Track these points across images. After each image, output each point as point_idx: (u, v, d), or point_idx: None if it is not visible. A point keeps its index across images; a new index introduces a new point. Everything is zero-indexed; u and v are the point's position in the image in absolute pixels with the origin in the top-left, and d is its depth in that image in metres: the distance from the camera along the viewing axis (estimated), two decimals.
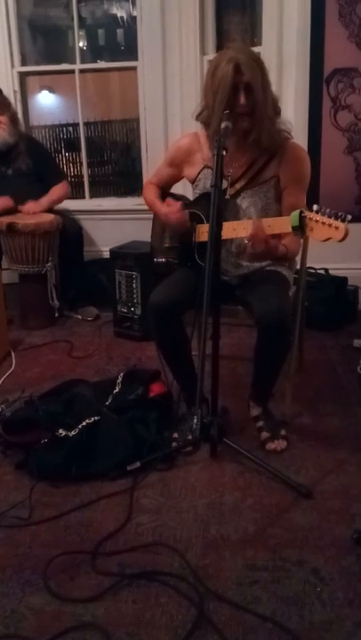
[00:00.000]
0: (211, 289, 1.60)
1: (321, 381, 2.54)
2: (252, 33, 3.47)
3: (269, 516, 1.69)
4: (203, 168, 2.06)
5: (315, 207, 1.63)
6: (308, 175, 2.02)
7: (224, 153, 1.68)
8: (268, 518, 1.68)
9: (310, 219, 1.64)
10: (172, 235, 2.16)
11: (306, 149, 2.19)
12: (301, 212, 1.66)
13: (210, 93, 1.88)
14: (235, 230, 1.87)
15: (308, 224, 1.65)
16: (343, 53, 3.09)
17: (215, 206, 1.63)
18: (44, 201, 3.30)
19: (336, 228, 1.58)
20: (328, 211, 1.61)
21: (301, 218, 1.66)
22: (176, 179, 2.22)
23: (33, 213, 3.22)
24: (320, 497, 1.76)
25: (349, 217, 1.58)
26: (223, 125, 1.74)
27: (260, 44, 3.23)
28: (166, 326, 1.95)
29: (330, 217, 1.60)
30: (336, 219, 1.59)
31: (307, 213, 1.65)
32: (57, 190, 3.38)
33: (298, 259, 2.16)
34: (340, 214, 1.59)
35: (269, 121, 1.90)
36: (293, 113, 3.07)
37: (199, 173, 2.07)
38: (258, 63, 1.84)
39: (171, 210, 2.06)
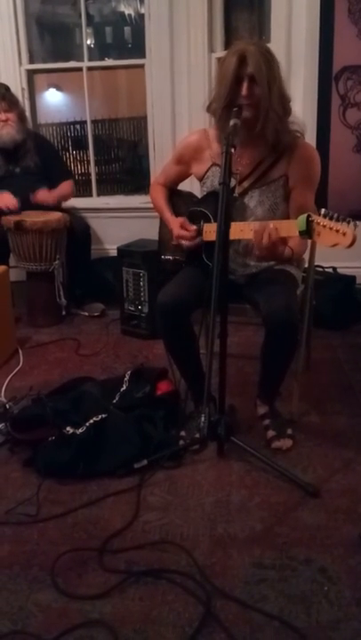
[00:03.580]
0: (219, 287, 1.59)
1: (328, 380, 2.53)
2: (261, 30, 3.46)
3: (276, 514, 1.69)
4: (211, 166, 2.04)
5: (323, 211, 1.58)
6: (317, 175, 1.98)
7: (232, 150, 1.67)
8: (275, 517, 1.67)
9: (318, 223, 1.58)
10: None
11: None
12: (309, 217, 1.60)
13: (217, 84, 1.89)
14: (242, 231, 1.83)
15: (315, 229, 1.59)
16: (352, 51, 3.08)
17: (223, 204, 1.61)
18: (56, 193, 3.30)
19: (344, 234, 1.52)
20: (336, 215, 1.55)
21: (309, 222, 1.60)
22: (184, 176, 2.20)
23: (45, 202, 3.21)
24: (327, 496, 1.75)
25: (357, 223, 1.52)
26: (232, 123, 1.73)
27: (268, 41, 3.21)
28: (174, 326, 1.95)
29: (338, 221, 1.54)
30: (344, 222, 1.53)
31: (314, 217, 1.59)
32: (64, 186, 3.39)
33: (306, 257, 2.15)
34: (347, 219, 1.53)
35: (276, 117, 1.84)
36: (302, 111, 3.05)
37: (207, 171, 2.05)
38: (266, 57, 1.80)
39: (184, 235, 2.01)
